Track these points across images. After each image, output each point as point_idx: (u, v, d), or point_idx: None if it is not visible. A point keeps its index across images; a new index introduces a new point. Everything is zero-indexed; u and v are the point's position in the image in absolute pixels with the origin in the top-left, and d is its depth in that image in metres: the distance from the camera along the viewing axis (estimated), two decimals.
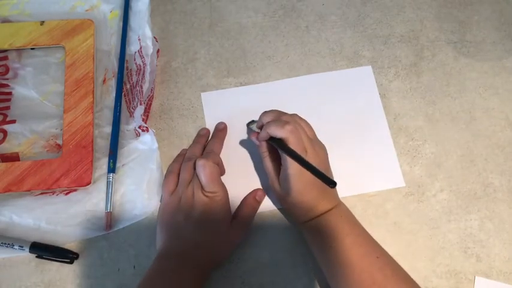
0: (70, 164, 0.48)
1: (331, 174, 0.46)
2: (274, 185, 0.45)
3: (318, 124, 0.48)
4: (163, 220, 0.47)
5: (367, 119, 0.53)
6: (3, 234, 0.46)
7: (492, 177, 0.51)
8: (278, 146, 0.43)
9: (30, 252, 0.45)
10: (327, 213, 0.43)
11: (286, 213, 0.49)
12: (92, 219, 0.48)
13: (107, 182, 0.48)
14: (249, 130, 0.52)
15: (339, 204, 0.45)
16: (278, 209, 0.49)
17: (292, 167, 0.42)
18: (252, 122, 0.50)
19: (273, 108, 0.47)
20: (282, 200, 0.46)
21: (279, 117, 0.44)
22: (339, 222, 0.43)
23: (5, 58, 0.54)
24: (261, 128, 0.45)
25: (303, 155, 0.41)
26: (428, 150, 0.52)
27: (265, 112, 0.46)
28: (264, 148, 0.46)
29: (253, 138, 0.46)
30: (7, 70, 0.53)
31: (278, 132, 0.42)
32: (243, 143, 0.52)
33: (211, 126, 0.53)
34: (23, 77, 0.53)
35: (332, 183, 0.36)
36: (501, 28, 0.58)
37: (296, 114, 0.46)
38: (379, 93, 0.55)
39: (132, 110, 0.51)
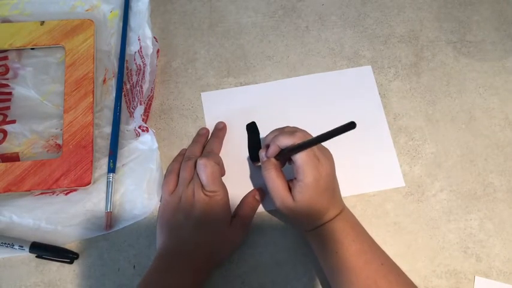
0: (70, 164, 0.48)
1: (337, 180, 0.46)
2: (286, 201, 0.42)
3: (318, 124, 0.47)
4: (163, 219, 0.47)
5: (367, 119, 0.53)
6: (3, 234, 0.46)
7: (492, 177, 0.51)
8: (290, 153, 0.42)
9: (30, 252, 0.45)
10: (333, 220, 0.43)
11: (289, 223, 0.48)
12: (92, 219, 0.48)
13: (107, 182, 0.48)
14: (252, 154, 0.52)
15: (344, 209, 0.45)
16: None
17: (308, 176, 0.41)
18: (253, 127, 0.50)
19: (272, 109, 0.47)
20: (294, 213, 0.43)
21: (282, 130, 0.44)
22: (346, 228, 0.43)
23: (5, 58, 0.54)
24: (267, 148, 0.44)
25: (315, 162, 0.41)
26: (428, 150, 0.52)
27: (267, 135, 0.45)
28: (269, 165, 0.44)
29: (262, 154, 0.45)
30: (7, 70, 0.53)
31: (289, 140, 0.41)
32: (242, 142, 0.52)
33: (211, 126, 0.53)
34: (23, 77, 0.53)
35: (351, 124, 0.34)
36: (501, 28, 0.58)
37: (297, 127, 0.45)
38: (379, 93, 0.55)
39: (132, 110, 0.51)
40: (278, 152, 0.44)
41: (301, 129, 0.44)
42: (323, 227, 0.43)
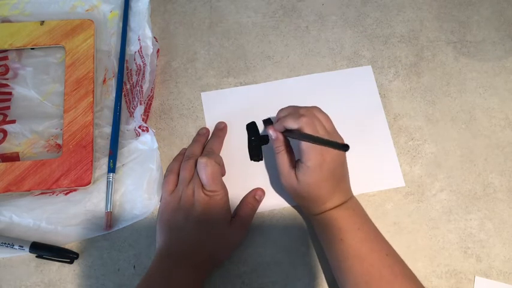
0: (70, 164, 0.48)
1: (347, 168, 0.46)
2: (290, 179, 0.44)
3: None
4: (163, 219, 0.47)
5: (367, 119, 0.53)
6: (3, 234, 0.46)
7: (492, 177, 0.51)
8: (294, 137, 0.43)
9: (30, 252, 0.45)
10: (340, 207, 0.44)
11: (298, 206, 0.48)
12: (92, 219, 0.48)
13: (107, 182, 0.48)
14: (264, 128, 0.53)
15: (351, 198, 0.45)
16: (278, 209, 0.50)
17: (311, 160, 0.41)
18: (268, 120, 0.52)
19: (272, 109, 0.47)
20: (296, 193, 0.45)
21: (295, 110, 0.44)
22: (352, 216, 0.44)
23: (5, 58, 0.54)
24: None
25: (320, 147, 0.41)
26: (428, 150, 0.52)
27: (282, 108, 0.46)
28: (279, 142, 0.45)
29: (270, 131, 0.46)
30: (7, 70, 0.53)
31: (293, 123, 0.42)
32: (243, 142, 0.52)
33: (211, 126, 0.53)
34: (23, 77, 0.53)
35: (344, 147, 0.36)
36: (501, 28, 0.58)
37: (316, 107, 0.45)
38: (379, 93, 0.55)
39: (132, 110, 0.51)
40: (284, 130, 0.44)
41: (311, 114, 0.43)
42: (328, 212, 0.43)
